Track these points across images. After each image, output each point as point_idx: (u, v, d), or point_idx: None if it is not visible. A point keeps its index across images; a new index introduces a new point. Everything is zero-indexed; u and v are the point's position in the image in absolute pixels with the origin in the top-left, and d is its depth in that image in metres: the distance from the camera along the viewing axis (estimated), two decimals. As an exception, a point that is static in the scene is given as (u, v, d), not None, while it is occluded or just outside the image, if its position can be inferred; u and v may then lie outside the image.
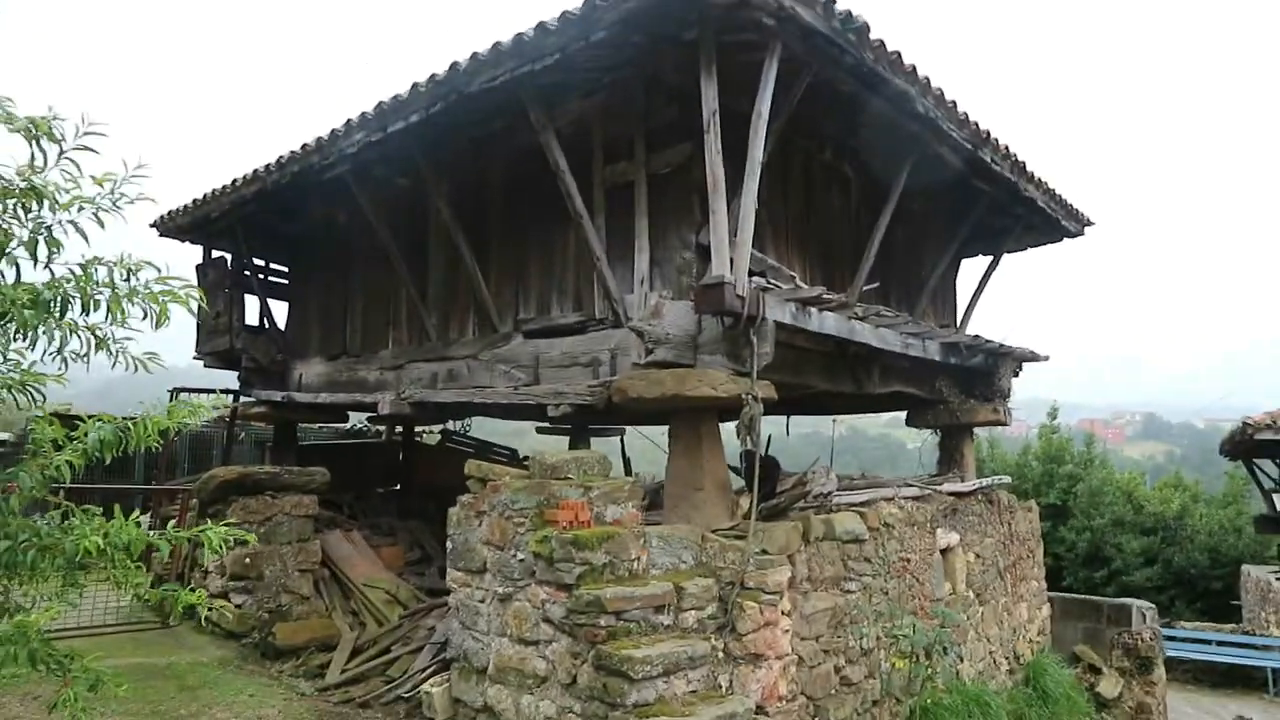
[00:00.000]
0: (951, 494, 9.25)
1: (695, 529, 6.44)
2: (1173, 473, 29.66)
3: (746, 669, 5.92)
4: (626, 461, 11.65)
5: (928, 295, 10.48)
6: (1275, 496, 19.81)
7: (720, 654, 5.90)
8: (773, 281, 7.54)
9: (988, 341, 10.02)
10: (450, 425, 16.12)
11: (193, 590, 3.82)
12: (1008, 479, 11.67)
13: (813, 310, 7.21)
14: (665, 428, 7.41)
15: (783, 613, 6.22)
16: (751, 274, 6.82)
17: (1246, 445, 18.34)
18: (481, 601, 6.56)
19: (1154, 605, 12.73)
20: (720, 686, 5.82)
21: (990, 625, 9.66)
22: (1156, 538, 24.49)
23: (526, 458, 8.81)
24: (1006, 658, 9.88)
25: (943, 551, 8.83)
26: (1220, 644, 16.69)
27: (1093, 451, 27.18)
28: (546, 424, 14.10)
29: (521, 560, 6.21)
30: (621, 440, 12.74)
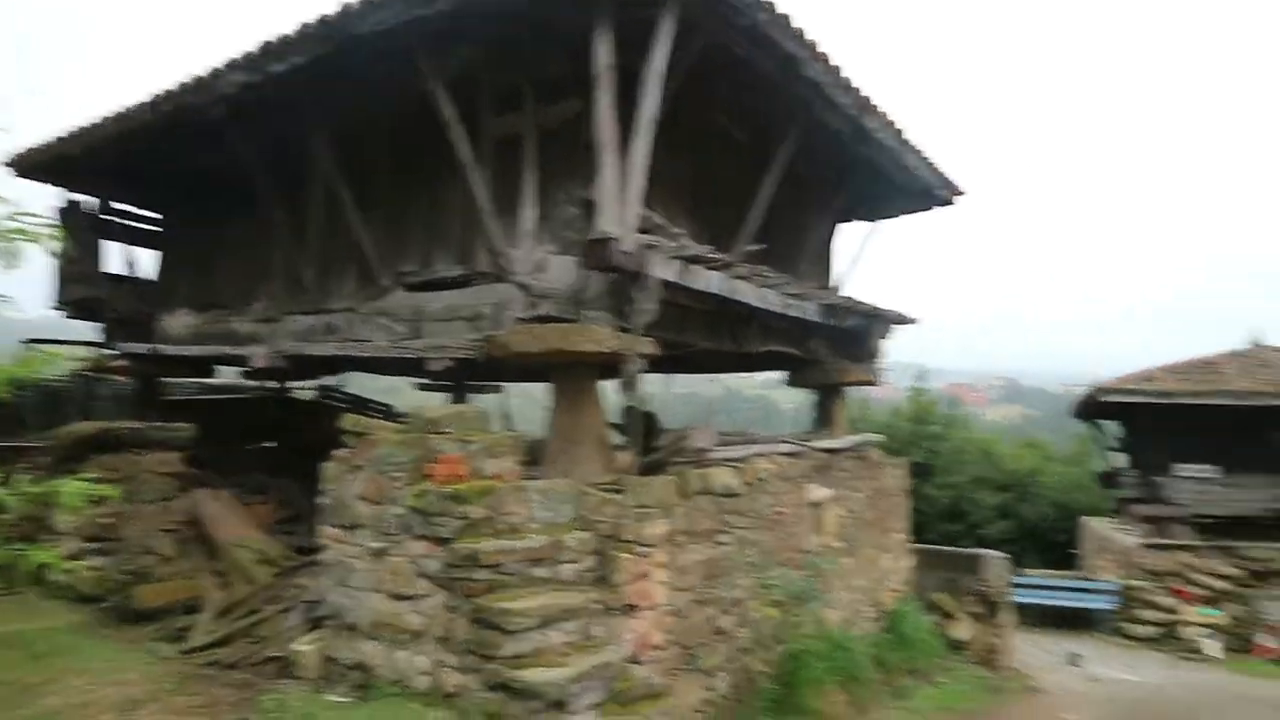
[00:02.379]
0: (824, 451, 9.56)
1: (575, 483, 6.47)
2: (1029, 434, 31.45)
3: (621, 620, 6.02)
4: (507, 418, 11.60)
5: (809, 258, 10.71)
6: (1116, 456, 21.24)
7: (597, 605, 5.97)
8: (659, 239, 7.58)
9: (862, 304, 10.33)
10: (327, 381, 15.69)
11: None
12: (878, 437, 12.12)
13: (697, 268, 7.29)
14: (547, 385, 7.40)
15: (658, 565, 6.34)
16: (638, 231, 6.85)
17: (1095, 408, 19.56)
18: (356, 558, 6.45)
19: (1005, 555, 13.50)
20: (596, 637, 5.90)
21: (856, 575, 10.07)
22: (1011, 494, 25.97)
23: (404, 414, 8.67)
24: (870, 606, 10.33)
25: (814, 505, 9.13)
26: (1060, 589, 17.84)
27: (956, 414, 28.56)
28: (426, 380, 13.91)
29: (398, 515, 6.13)
30: (502, 398, 12.67)
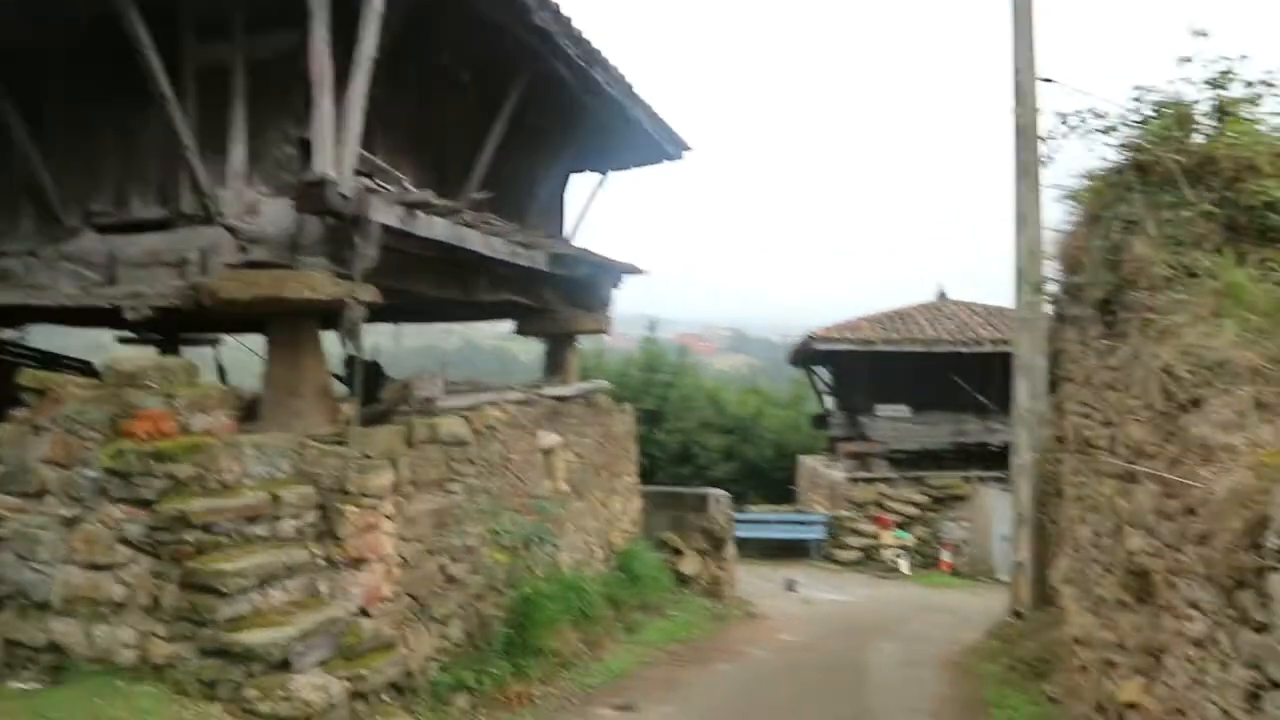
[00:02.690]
0: (554, 398, 9.74)
1: (294, 436, 6.21)
2: (753, 383, 33.59)
3: (348, 574, 5.89)
4: (222, 373, 10.87)
5: (539, 208, 10.77)
6: (826, 399, 23.17)
7: (321, 561, 5.80)
8: (381, 183, 7.34)
9: (592, 254, 10.55)
10: (4, 334, 13.92)
11: None
12: (606, 384, 12.49)
13: (421, 215, 7.13)
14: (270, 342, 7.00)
15: (385, 516, 6.24)
16: (358, 174, 6.59)
17: (808, 355, 21.21)
18: (42, 528, 5.82)
19: (728, 493, 14.42)
20: (322, 593, 5.74)
21: (587, 518, 10.39)
22: (735, 437, 27.68)
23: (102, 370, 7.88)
24: (601, 547, 10.71)
25: (544, 452, 9.30)
26: (778, 522, 19.40)
27: (685, 363, 29.95)
28: (131, 335, 12.69)
29: (92, 478, 5.60)
30: (216, 351, 11.83)
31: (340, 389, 7.63)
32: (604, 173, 12.15)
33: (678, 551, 12.82)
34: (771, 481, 26.58)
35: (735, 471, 26.90)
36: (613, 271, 11.57)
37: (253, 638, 5.03)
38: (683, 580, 12.45)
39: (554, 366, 11.75)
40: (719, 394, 29.31)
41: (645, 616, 10.54)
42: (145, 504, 5.33)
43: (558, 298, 11.10)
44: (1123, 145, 5.99)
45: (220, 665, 5.04)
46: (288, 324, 6.65)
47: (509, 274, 9.53)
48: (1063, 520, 9.61)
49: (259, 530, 5.56)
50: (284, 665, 5.02)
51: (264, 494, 5.65)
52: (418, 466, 6.79)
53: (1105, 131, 6.10)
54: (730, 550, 13.55)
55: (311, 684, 4.98)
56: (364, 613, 5.88)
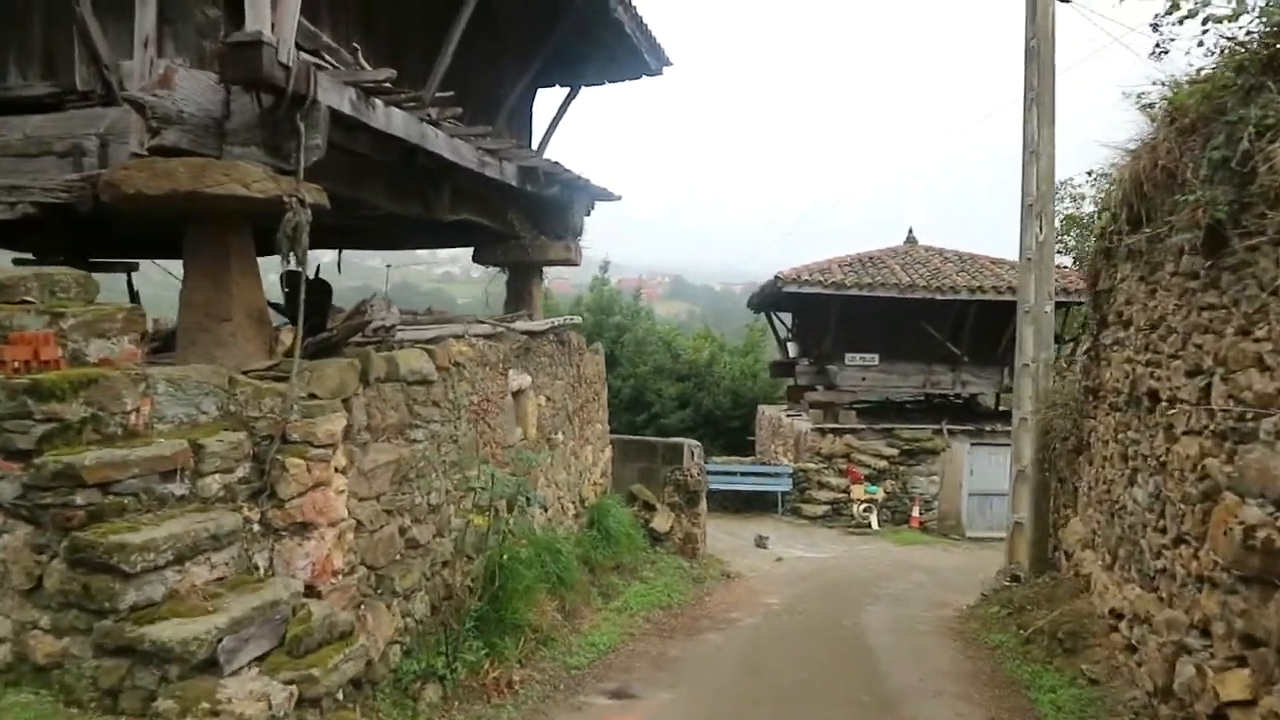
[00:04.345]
0: (525, 333, 8.58)
1: (221, 370, 4.98)
2: (702, 326, 32.64)
3: (292, 542, 4.74)
4: (134, 297, 9.42)
5: (505, 115, 9.49)
6: (789, 344, 22.31)
7: (258, 527, 4.64)
8: (330, 61, 6.06)
9: (566, 171, 9.35)
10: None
11: None
12: (579, 319, 11.37)
13: (378, 103, 5.89)
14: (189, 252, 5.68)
15: (337, 469, 5.09)
16: (301, 49, 5.33)
17: (773, 298, 20.24)
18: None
19: (700, 443, 13.48)
20: (259, 568, 4.59)
21: (559, 470, 9.35)
22: (690, 384, 26.79)
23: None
24: (573, 502, 9.69)
25: (514, 394, 8.19)
26: (744, 474, 18.55)
27: (639, 306, 28.85)
28: (29, 257, 11.09)
29: (-50, 420, 4.32)
30: (129, 277, 10.33)
31: (279, 315, 6.39)
32: (574, 87, 10.88)
33: (649, 506, 11.86)
34: (728, 431, 25.81)
35: (690, 420, 26.06)
36: (586, 193, 10.38)
37: (167, 631, 3.86)
38: (655, 538, 11.53)
39: (517, 302, 10.57)
40: (673, 339, 28.33)
41: (621, 579, 9.58)
42: (20, 455, 4.07)
43: (525, 221, 9.93)
44: (1246, 38, 5.04)
45: (124, 667, 3.87)
46: (212, 229, 5.37)
47: (473, 189, 8.41)
48: (1083, 479, 8.88)
49: (175, 489, 4.36)
50: (210, 666, 3.87)
51: (182, 442, 4.44)
52: (375, 409, 5.62)
53: (1228, 20, 5.12)
54: (703, 505, 12.65)
55: (247, 691, 3.84)
56: (313, 591, 4.75)
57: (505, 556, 6.60)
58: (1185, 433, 5.65)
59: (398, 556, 5.82)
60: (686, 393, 26.69)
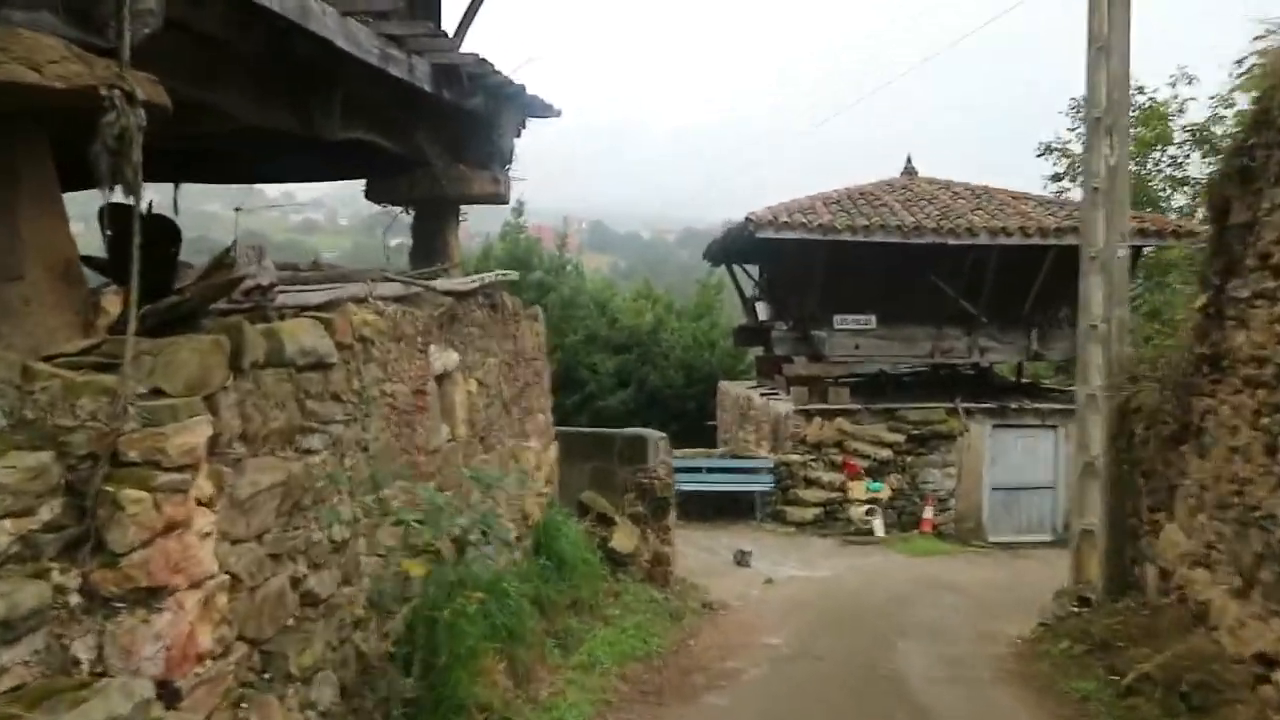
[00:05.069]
0: (449, 294, 7.61)
1: (8, 355, 3.96)
2: (642, 283, 31.86)
3: (133, 619, 3.76)
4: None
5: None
6: (758, 305, 21.61)
7: (78, 599, 3.66)
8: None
9: (496, 72, 8.40)
10: None
11: None
12: (513, 274, 10.44)
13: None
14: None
15: (199, 501, 4.12)
16: None
17: (740, 245, 19.49)
18: None
19: (665, 435, 12.71)
20: (80, 663, 3.61)
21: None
22: (631, 355, 26.04)
23: None
24: (515, 520, 8.82)
25: (439, 379, 7.26)
26: (712, 471, 17.85)
27: (565, 258, 27.93)
28: None
29: None
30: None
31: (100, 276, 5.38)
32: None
33: (605, 519, 11.04)
34: (681, 414, 25.14)
35: (633, 401, 25.37)
36: (519, 106, 9.42)
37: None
38: (616, 561, 10.72)
39: (428, 252, 9.63)
40: (608, 298, 27.48)
41: (580, 622, 8.77)
42: None
43: (438, 144, 9.01)
44: None
45: None
46: (-9, 137, 4.32)
47: (370, 97, 7.67)
48: (1190, 476, 8.28)
49: (-62, 544, 3.34)
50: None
51: (-55, 470, 3.41)
52: (252, 408, 4.64)
53: None
54: (673, 516, 11.90)
55: None
56: (169, 690, 3.79)
57: (442, 607, 5.70)
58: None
59: (291, 621, 4.88)
60: (627, 367, 25.97)
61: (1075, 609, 9.89)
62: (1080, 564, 10.21)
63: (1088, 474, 10.08)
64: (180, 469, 3.99)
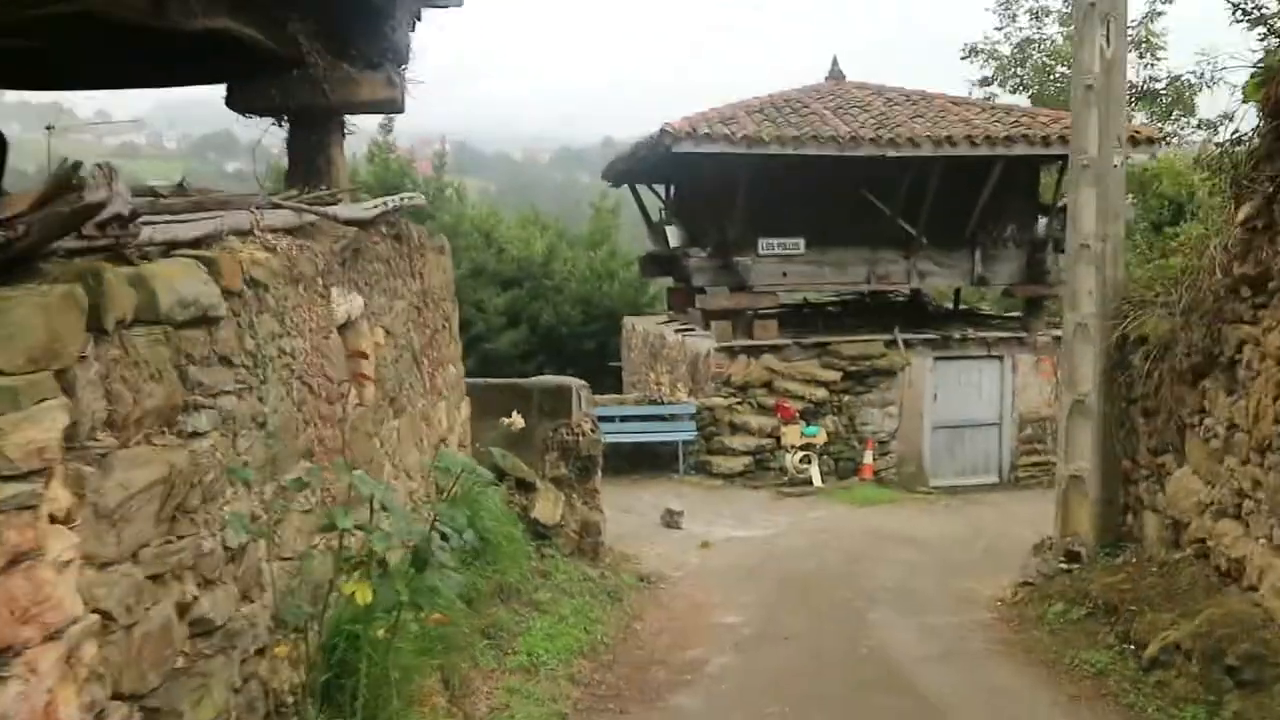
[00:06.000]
0: (350, 223, 6.66)
1: None
2: (529, 209, 30.85)
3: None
4: None
5: None
6: (668, 230, 20.82)
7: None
8: None
9: (389, -56, 7.40)
10: None
11: None
12: (421, 198, 9.47)
13: None
14: None
15: (53, 518, 3.22)
16: None
17: (650, 163, 18.66)
18: None
19: (587, 383, 11.96)
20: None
21: (409, 447, 7.64)
22: (522, 290, 25.15)
23: None
24: (429, 495, 8.00)
25: (341, 329, 6.34)
26: (626, 419, 17.15)
27: (442, 181, 26.79)
28: None
29: None
30: None
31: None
32: None
33: (525, 485, 10.24)
34: (579, 355, 24.38)
35: (525, 342, 24.56)
36: (415, -11, 8.44)
37: None
38: (540, 534, 9.95)
39: (307, 174, 8.59)
40: (493, 226, 26.43)
41: (509, 612, 8.01)
42: None
43: (315, 39, 7.95)
44: None
45: None
46: None
47: None
48: (1214, 414, 7.84)
49: None
50: None
51: None
52: (120, 382, 3.72)
53: None
54: (599, 477, 11.18)
55: None
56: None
57: (365, 619, 4.87)
58: None
59: (180, 661, 4.00)
60: (518, 304, 25.11)
61: (1064, 565, 9.49)
62: (1067, 514, 9.78)
63: (1077, 413, 9.64)
64: (24, 476, 3.08)
